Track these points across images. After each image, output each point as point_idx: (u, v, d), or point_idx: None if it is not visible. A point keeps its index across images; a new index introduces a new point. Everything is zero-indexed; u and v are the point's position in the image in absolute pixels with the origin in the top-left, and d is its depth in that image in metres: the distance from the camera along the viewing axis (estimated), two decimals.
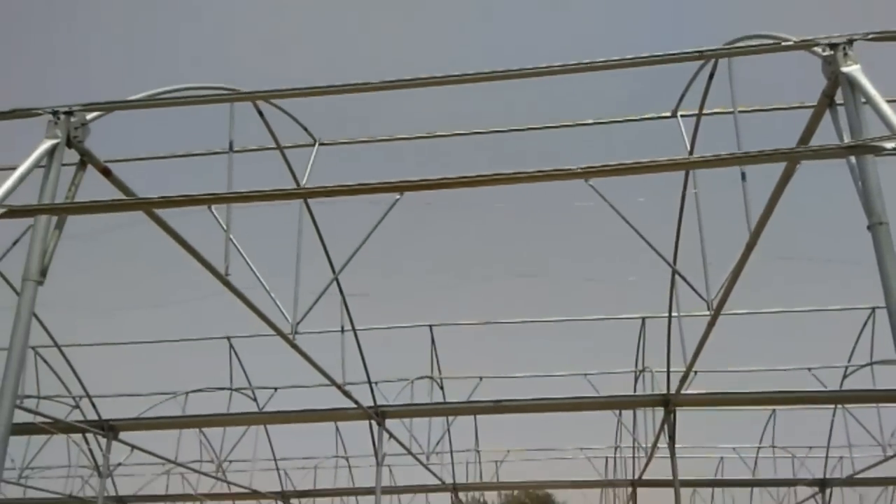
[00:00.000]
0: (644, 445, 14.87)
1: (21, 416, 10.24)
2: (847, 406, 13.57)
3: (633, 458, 16.20)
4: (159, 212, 5.28)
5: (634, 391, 12.29)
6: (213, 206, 6.79)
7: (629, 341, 12.63)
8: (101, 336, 11.80)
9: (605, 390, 11.97)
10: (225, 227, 6.62)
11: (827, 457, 15.74)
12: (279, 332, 7.72)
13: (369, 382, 10.79)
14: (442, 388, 12.67)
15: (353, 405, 10.32)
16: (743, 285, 7.20)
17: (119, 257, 12.13)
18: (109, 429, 10.93)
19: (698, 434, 20.50)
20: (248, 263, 7.24)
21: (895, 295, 3.94)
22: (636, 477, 16.13)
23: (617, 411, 15.79)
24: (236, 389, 12.45)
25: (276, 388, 12.65)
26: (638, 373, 12.73)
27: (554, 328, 13.16)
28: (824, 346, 12.63)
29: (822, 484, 16.21)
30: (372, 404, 10.84)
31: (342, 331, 9.83)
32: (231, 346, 12.27)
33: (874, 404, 12.75)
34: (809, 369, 11.80)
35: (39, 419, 10.20)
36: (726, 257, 7.19)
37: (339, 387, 9.56)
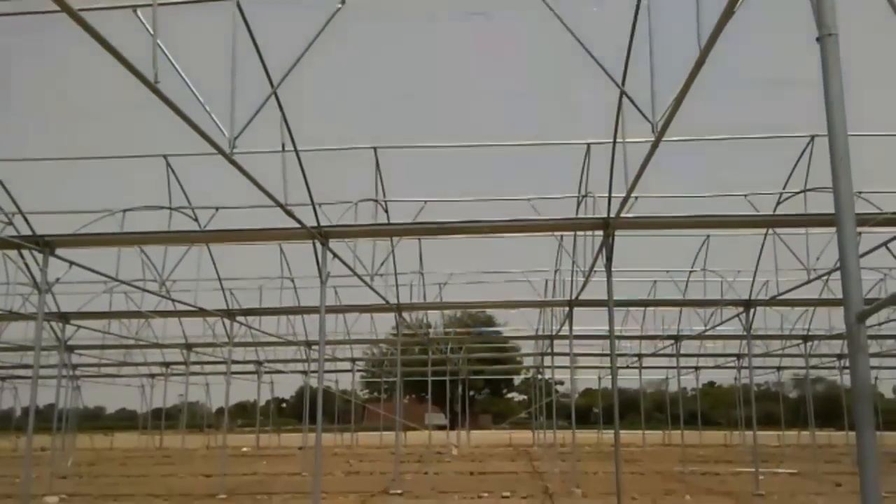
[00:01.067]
0: (582, 269, 15.40)
1: None
2: (778, 231, 14.11)
3: (572, 280, 16.82)
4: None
5: (577, 215, 12.47)
6: (138, 10, 6.35)
7: (574, 167, 12.68)
8: (29, 150, 11.31)
9: (549, 215, 12.11)
10: (152, 31, 6.14)
11: (754, 280, 16.61)
12: (216, 147, 7.44)
13: (312, 203, 10.67)
14: (386, 210, 12.65)
15: (296, 225, 10.25)
16: (688, 109, 7.14)
17: (41, 66, 11.37)
18: (45, 244, 10.72)
19: (635, 258, 21.26)
20: (176, 69, 6.81)
21: (836, 111, 3.90)
22: (573, 297, 16.83)
23: (558, 235, 16.21)
24: (176, 209, 12.21)
25: (217, 208, 12.44)
26: (581, 198, 12.87)
27: (500, 152, 13.09)
28: (762, 173, 12.92)
29: (747, 304, 17.24)
30: (315, 225, 10.79)
31: (283, 150, 9.55)
32: (168, 165, 11.89)
33: (803, 229, 13.27)
34: (745, 195, 12.10)
35: None
36: (675, 81, 7.07)
37: (281, 206, 9.43)
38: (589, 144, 12.11)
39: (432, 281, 18.77)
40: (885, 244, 11.57)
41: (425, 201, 12.86)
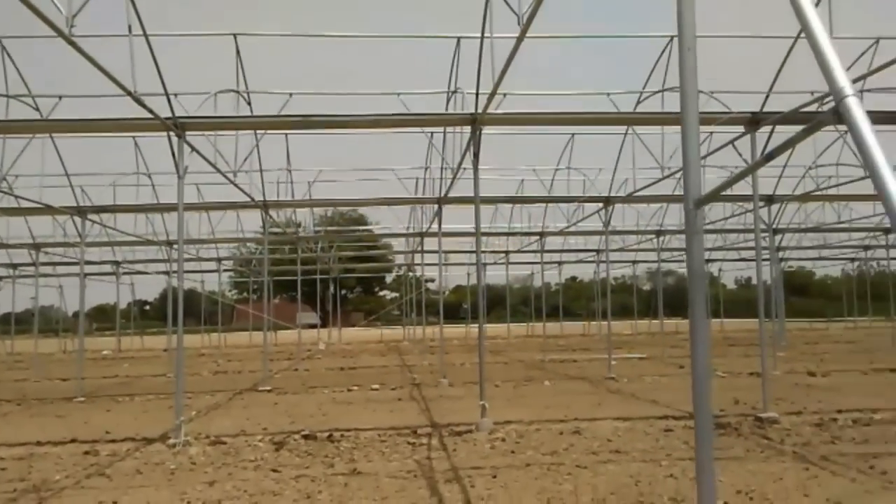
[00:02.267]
0: (451, 166, 15.49)
1: None
2: (637, 130, 14.64)
3: (441, 178, 16.90)
4: None
5: (446, 111, 12.37)
6: None
7: (443, 61, 12.50)
8: None
9: (419, 111, 11.93)
10: None
11: (613, 177, 17.31)
12: (52, 26, 6.75)
13: (165, 93, 9.97)
14: (249, 103, 12.07)
15: (148, 115, 9.59)
16: (554, 3, 7.11)
17: None
18: None
19: (504, 157, 21.56)
20: None
21: (685, 8, 3.92)
22: (442, 194, 16.96)
23: (429, 133, 16.11)
24: (14, 97, 11.15)
25: (60, 97, 11.46)
26: (450, 94, 12.75)
27: (369, 45, 12.68)
28: (624, 72, 13.25)
29: (606, 201, 18.01)
30: (170, 115, 10.15)
31: (129, 34, 8.77)
32: (2, 47, 10.76)
33: (659, 128, 13.84)
34: (608, 94, 12.40)
35: None
36: None
37: (129, 93, 8.77)
38: (459, 38, 11.92)
39: (301, 178, 18.35)
40: (731, 142, 12.27)
41: (290, 94, 12.36)
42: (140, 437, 10.18)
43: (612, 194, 17.93)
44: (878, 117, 11.72)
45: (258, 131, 14.05)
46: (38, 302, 26.71)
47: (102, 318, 54.89)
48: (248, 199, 16.19)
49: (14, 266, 30.78)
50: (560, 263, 38.75)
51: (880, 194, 1.99)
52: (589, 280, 51.96)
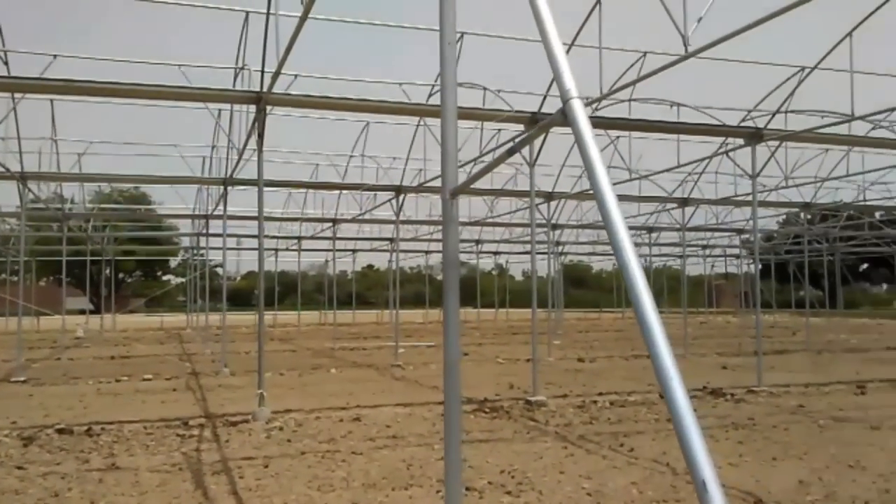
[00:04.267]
0: (238, 146, 14.88)
1: None
2: (428, 122, 14.93)
3: (227, 158, 16.19)
4: None
5: (233, 87, 11.84)
6: None
7: (232, 37, 11.95)
8: None
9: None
10: None
11: (405, 167, 17.56)
12: None
13: None
14: (6, 63, 10.78)
15: None
16: None
17: None
18: None
19: (298, 141, 21.10)
20: None
21: (448, 13, 3.95)
22: (227, 176, 16.26)
23: (216, 112, 15.36)
24: None
25: None
26: (237, 70, 12.23)
27: (150, 11, 11.82)
28: (416, 65, 13.46)
29: (398, 189, 18.24)
30: None
31: None
32: None
33: None
34: (400, 84, 12.51)
35: None
36: None
37: None
38: (248, 13, 11.46)
39: (68, 150, 16.76)
40: (513, 139, 12.86)
41: (55, 56, 11.21)
42: None
43: (405, 184, 18.20)
44: (612, 123, 12.94)
45: (15, 94, 12.61)
46: None
47: None
48: (1, 170, 14.49)
49: None
50: (354, 251, 38.82)
51: (594, 189, 2.10)
52: (385, 269, 52.71)
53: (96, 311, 35.15)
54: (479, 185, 17.24)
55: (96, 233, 28.38)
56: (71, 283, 37.68)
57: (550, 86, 12.28)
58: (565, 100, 2.28)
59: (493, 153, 14.71)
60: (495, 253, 42.76)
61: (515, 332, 30.66)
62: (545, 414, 10.26)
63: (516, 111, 11.62)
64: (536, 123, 11.72)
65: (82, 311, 38.45)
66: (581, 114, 2.23)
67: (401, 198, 18.47)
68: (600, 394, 12.08)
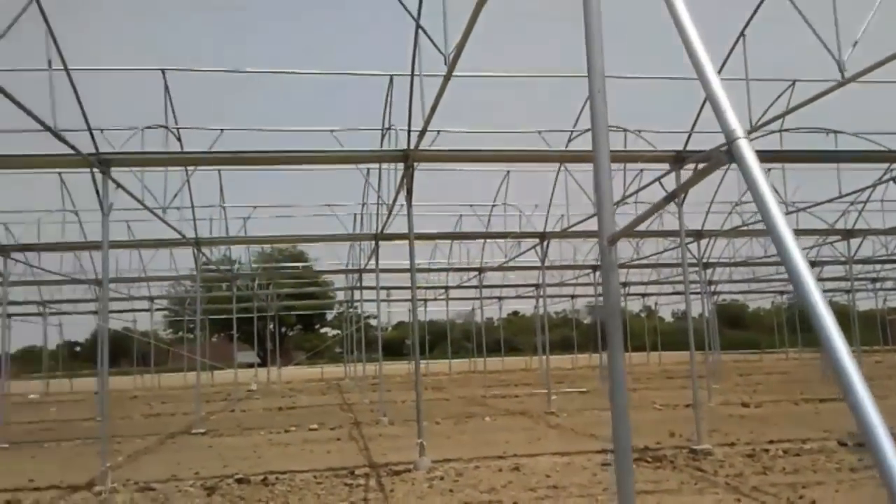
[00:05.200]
0: (387, 202, 15.50)
1: None
2: (569, 166, 14.92)
3: (377, 214, 16.88)
4: None
5: (380, 148, 12.41)
6: None
7: (378, 99, 12.57)
8: None
9: (353, 148, 11.92)
10: None
11: (548, 213, 17.57)
12: None
13: (88, 128, 9.76)
14: (179, 139, 11.88)
15: (70, 151, 9.33)
16: (481, 47, 7.24)
17: None
18: None
19: (442, 194, 21.64)
20: None
21: (594, 47, 3.99)
22: (379, 231, 16.91)
23: (365, 170, 16.11)
24: None
25: None
26: (384, 131, 12.81)
27: (303, 81, 12.66)
28: (554, 110, 13.54)
29: (542, 236, 18.25)
30: (93, 151, 9.91)
31: (49, 68, 8.57)
32: None
33: (590, 165, 14.09)
34: (539, 132, 12.63)
35: None
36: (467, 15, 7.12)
37: (48, 128, 8.52)
38: (392, 77, 12.02)
39: (235, 215, 18.08)
40: (657, 180, 12.59)
41: (221, 129, 12.23)
42: (65, 485, 9.73)
43: (548, 230, 18.18)
44: (766, 157, 12.28)
45: (189, 167, 13.82)
46: None
47: (32, 359, 52.58)
48: (179, 237, 15.86)
49: None
50: (500, 299, 38.96)
51: (769, 229, 2.04)
52: (531, 314, 52.45)
53: (263, 363, 37.25)
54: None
55: (261, 290, 30.30)
56: (239, 339, 40.21)
57: (695, 123, 11.96)
58: (731, 140, 2.25)
59: (635, 195, 14.45)
60: (643, 295, 41.55)
61: (670, 376, 29.46)
62: (712, 463, 9.75)
63: (660, 150, 11.40)
64: (681, 162, 11.44)
65: (251, 365, 40.84)
66: (749, 154, 2.19)
67: (545, 244, 18.45)
68: (771, 441, 11.33)
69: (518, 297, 37.37)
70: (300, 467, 10.40)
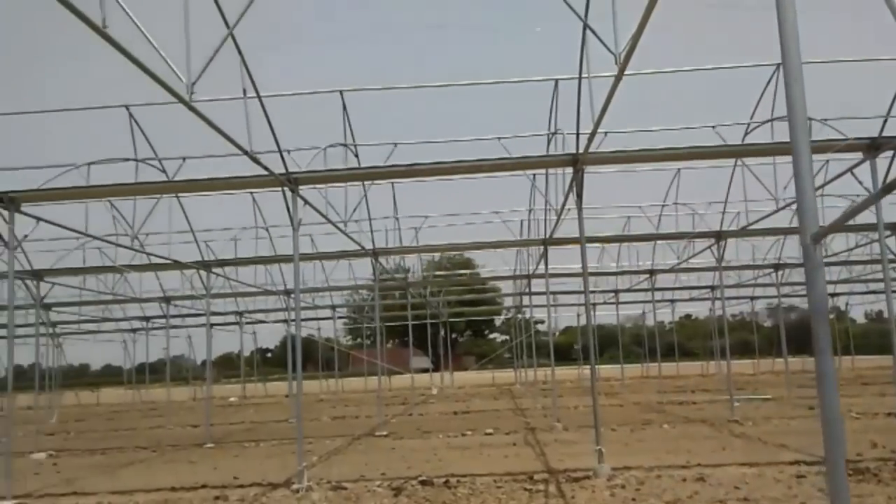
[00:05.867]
0: (555, 206, 15.49)
1: None
2: (746, 161, 14.19)
3: (545, 219, 16.89)
4: None
5: (547, 153, 12.43)
6: None
7: (544, 104, 12.62)
8: None
9: (520, 154, 12.04)
10: None
11: (724, 211, 16.77)
12: (174, 93, 7.28)
13: (279, 150, 10.53)
14: (357, 155, 12.55)
15: (264, 172, 10.13)
16: (651, 40, 7.07)
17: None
18: (10, 200, 10.50)
19: (608, 195, 21.29)
20: (125, 11, 6.60)
21: (789, 36, 3.83)
22: (547, 236, 16.91)
23: (531, 175, 16.21)
24: (142, 160, 12.03)
25: (184, 158, 12.30)
26: (550, 135, 12.84)
27: (469, 92, 12.93)
28: (728, 103, 12.94)
29: (718, 235, 17.44)
30: (283, 171, 10.68)
31: (244, 96, 9.36)
32: (130, 115, 11.67)
33: (770, 159, 13.34)
34: (713, 127, 12.13)
35: None
36: (638, 11, 6.99)
37: (246, 152, 9.30)
38: (556, 80, 12.03)
39: (408, 225, 18.80)
40: (850, 170, 11.67)
41: (395, 144, 12.79)
42: (266, 483, 10.52)
43: (724, 228, 17.36)
44: None
45: (366, 182, 14.54)
46: (169, 352, 28.46)
47: (228, 365, 57.25)
48: (358, 248, 16.71)
49: (147, 319, 32.90)
50: (673, 301, 37.62)
51: None
52: (704, 317, 50.17)
53: (435, 368, 38.33)
54: None
55: (433, 298, 31.24)
56: (413, 345, 41.58)
57: (891, 107, 11.00)
58: None
59: (821, 189, 13.47)
60: (833, 294, 38.52)
61: (865, 382, 27.08)
62: None
63: (854, 139, 10.57)
64: (877, 150, 10.55)
65: (425, 370, 42.14)
66: None
67: (722, 243, 17.61)
68: None
69: (692, 299, 35.91)
70: (479, 471, 10.59)
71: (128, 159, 11.81)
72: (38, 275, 17.84)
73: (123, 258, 17.84)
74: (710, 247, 18.55)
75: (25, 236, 11.84)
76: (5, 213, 10.70)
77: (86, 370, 68.73)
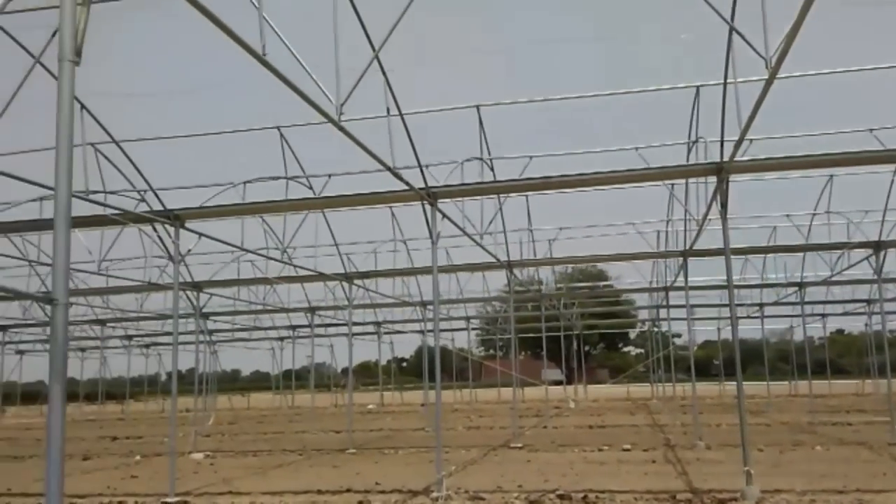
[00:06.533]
0: (696, 217, 15.01)
1: (90, 210, 10.80)
2: None
3: (685, 230, 16.39)
4: None
5: (687, 162, 12.11)
6: None
7: (682, 113, 12.31)
8: (150, 128, 12.03)
9: (658, 164, 11.80)
10: (256, 4, 6.41)
11: (883, 219, 15.65)
12: (325, 115, 7.71)
13: (419, 165, 10.89)
14: (492, 168, 12.72)
15: (405, 187, 10.49)
16: (805, 40, 6.78)
17: (153, 43, 12.04)
18: (176, 218, 11.46)
19: (752, 205, 20.43)
20: (282, 41, 7.09)
21: None
22: (687, 247, 16.41)
23: (669, 184, 15.79)
24: (291, 178, 12.73)
25: (329, 175, 12.91)
26: (691, 144, 12.50)
27: (604, 102, 12.82)
28: (886, 105, 12.10)
29: (877, 246, 16.27)
30: (423, 186, 11.01)
31: (388, 115, 9.77)
32: (282, 136, 12.38)
33: None
34: (871, 130, 11.40)
35: (109, 211, 10.75)
36: (788, 12, 6.74)
37: (389, 169, 9.68)
38: (698, 87, 11.72)
39: (542, 237, 18.78)
40: None
41: (530, 157, 12.86)
42: (406, 490, 10.83)
43: (883, 238, 16.18)
44: None
45: (501, 195, 14.69)
46: (313, 360, 29.83)
47: (366, 373, 59.21)
48: (493, 260, 16.89)
49: (293, 328, 34.73)
50: (824, 316, 35.38)
51: None
52: (859, 333, 46.77)
53: (568, 381, 37.95)
54: None
55: (566, 310, 31.01)
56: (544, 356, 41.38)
57: None
58: None
59: None
60: None
61: None
62: None
63: None
64: None
65: (558, 382, 41.84)
66: None
67: (881, 254, 16.42)
68: None
69: (845, 313, 33.63)
70: (618, 487, 10.42)
71: (279, 177, 12.54)
72: (197, 286, 19.24)
73: (273, 270, 18.93)
74: (867, 258, 17.35)
75: (189, 251, 12.82)
76: (171, 229, 11.67)
77: (237, 375, 73.18)
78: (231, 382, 63.46)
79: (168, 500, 10.57)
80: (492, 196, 14.65)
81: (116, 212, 10.89)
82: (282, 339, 38.62)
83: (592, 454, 14.62)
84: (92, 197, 10.38)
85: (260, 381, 64.63)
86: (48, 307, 4.00)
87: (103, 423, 30.49)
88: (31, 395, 44.00)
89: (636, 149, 12.66)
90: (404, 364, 70.81)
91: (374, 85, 9.39)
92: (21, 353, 37.52)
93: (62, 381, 3.94)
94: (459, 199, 13.10)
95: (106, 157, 10.75)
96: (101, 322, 29.53)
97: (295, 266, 17.42)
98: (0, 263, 18.63)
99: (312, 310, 25.65)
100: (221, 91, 12.39)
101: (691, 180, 14.45)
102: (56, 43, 4.09)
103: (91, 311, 26.21)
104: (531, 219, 17.70)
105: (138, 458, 17.07)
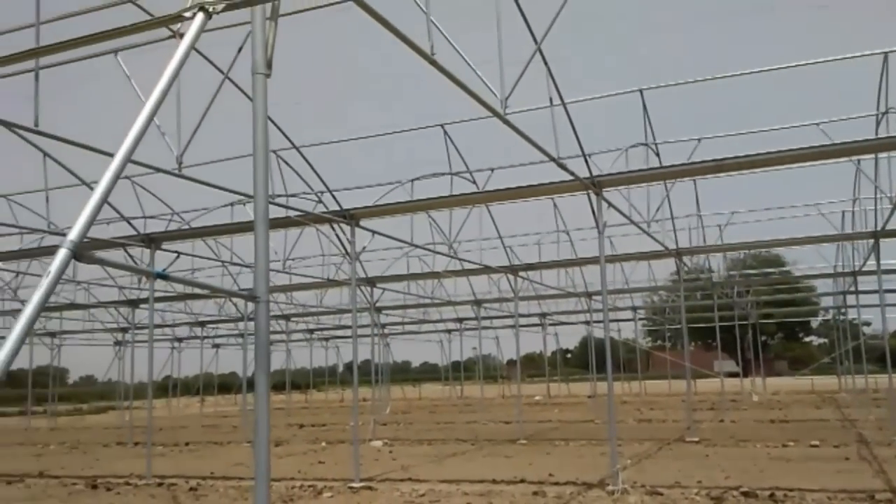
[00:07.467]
0: (888, 194, 13.80)
1: (275, 213, 11.63)
2: None
3: (875, 209, 15.10)
4: None
5: (877, 135, 11.17)
6: None
7: (869, 83, 11.37)
8: (323, 131, 12.75)
9: (841, 138, 10.97)
10: (425, 9, 6.64)
11: None
12: (491, 109, 7.84)
13: (583, 154, 10.77)
14: (658, 154, 12.35)
15: (569, 177, 10.44)
16: None
17: (327, 46, 12.71)
18: (351, 217, 12.09)
19: None
20: (449, 41, 7.28)
21: None
22: (878, 228, 15.11)
23: (855, 160, 14.61)
24: (456, 174, 13.04)
25: (492, 169, 13.10)
26: (880, 115, 11.53)
27: (780, 77, 12.07)
28: None
29: None
30: (588, 175, 10.90)
31: (551, 104, 9.75)
32: (446, 133, 12.71)
33: None
34: None
35: (292, 213, 11.53)
36: None
37: (553, 159, 9.67)
38: (886, 53, 10.80)
39: (711, 223, 17.97)
40: None
41: (698, 139, 12.36)
42: (580, 482, 10.80)
43: None
44: None
45: (668, 181, 14.21)
46: (480, 351, 30.38)
47: (530, 365, 59.38)
48: (660, 249, 16.39)
49: (460, 320, 35.59)
50: None
51: None
52: None
53: (743, 373, 36.05)
54: None
55: (740, 298, 29.47)
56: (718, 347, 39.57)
57: None
58: None
59: None
60: None
61: None
62: None
63: None
64: None
65: (734, 374, 39.93)
66: None
67: None
68: None
69: None
70: (809, 486, 9.81)
71: (444, 173, 12.89)
72: (371, 282, 20.17)
73: (440, 265, 19.45)
74: None
75: (364, 248, 13.48)
76: (346, 228, 12.32)
77: (407, 367, 75.94)
78: (402, 373, 65.98)
79: (354, 484, 11.19)
80: (658, 182, 14.22)
81: (299, 213, 11.65)
82: (449, 331, 39.61)
83: (776, 450, 13.84)
84: (277, 200, 11.17)
85: (428, 372, 66.66)
86: (241, 304, 4.37)
87: (290, 412, 32.67)
88: (227, 385, 47.94)
89: (817, 124, 11.84)
90: (568, 355, 70.24)
91: (534, 76, 9.41)
92: (217, 346, 40.98)
93: (267, 371, 4.30)
94: (624, 186, 12.82)
95: (286, 163, 11.53)
96: (286, 317, 31.71)
97: (461, 260, 17.79)
98: (198, 265, 20.50)
99: (478, 302, 26.10)
100: (388, 92, 12.91)
101: (881, 155, 13.32)
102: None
103: (277, 307, 28.16)
104: (699, 204, 17.01)
105: (324, 444, 18.16)
